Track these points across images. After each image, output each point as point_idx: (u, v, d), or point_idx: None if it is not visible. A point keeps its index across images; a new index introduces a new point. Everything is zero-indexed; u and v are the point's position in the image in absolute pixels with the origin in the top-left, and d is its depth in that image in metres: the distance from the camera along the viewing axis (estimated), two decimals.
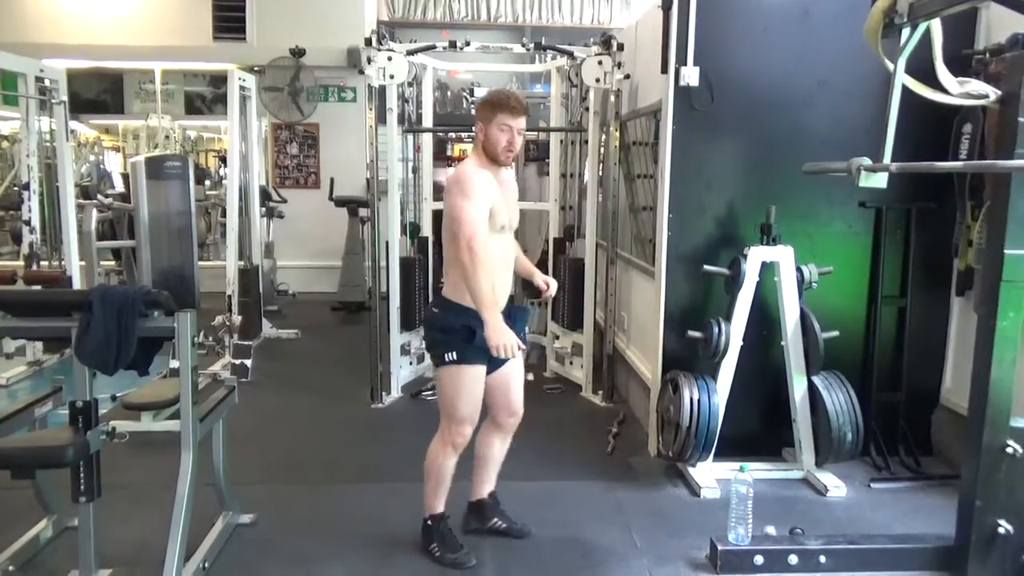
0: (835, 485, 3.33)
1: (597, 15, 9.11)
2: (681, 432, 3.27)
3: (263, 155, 8.27)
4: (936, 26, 2.27)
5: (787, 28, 3.47)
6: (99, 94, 9.52)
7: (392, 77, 4.28)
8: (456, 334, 2.56)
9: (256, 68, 7.64)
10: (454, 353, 2.57)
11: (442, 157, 10.27)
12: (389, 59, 4.24)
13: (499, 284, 2.61)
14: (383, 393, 4.56)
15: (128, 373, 2.45)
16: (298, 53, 7.83)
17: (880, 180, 2.35)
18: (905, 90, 2.40)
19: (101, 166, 9.36)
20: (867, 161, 2.37)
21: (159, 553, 2.36)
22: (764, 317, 3.51)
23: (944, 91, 2.40)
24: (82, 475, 2.40)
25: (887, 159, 2.33)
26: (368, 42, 4.24)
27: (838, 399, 3.32)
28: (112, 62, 8.45)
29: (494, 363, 2.64)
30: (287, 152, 8.39)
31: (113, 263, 7.37)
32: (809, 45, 3.47)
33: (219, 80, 8.60)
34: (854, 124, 3.43)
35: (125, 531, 2.87)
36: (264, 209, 7.21)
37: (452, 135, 10.34)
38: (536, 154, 6.18)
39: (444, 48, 4.56)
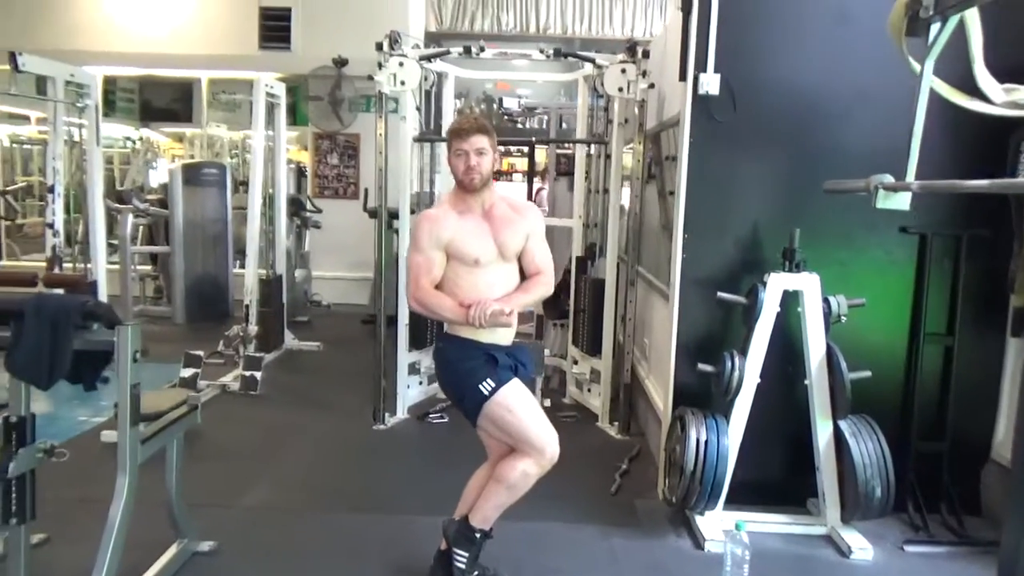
0: (861, 547, 2.93)
1: (649, 28, 8.81)
2: (685, 476, 2.95)
3: (308, 165, 8.26)
4: (972, 19, 1.92)
5: (821, 32, 3.15)
6: (170, 103, 9.73)
7: (403, 83, 4.10)
8: (476, 361, 2.45)
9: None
10: (488, 381, 2.42)
11: None
12: (400, 64, 4.07)
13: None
14: (386, 414, 4.35)
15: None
16: (340, 63, 7.76)
17: (902, 201, 2.01)
18: (952, 102, 2.06)
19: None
20: (888, 178, 2.04)
21: None
22: (788, 352, 3.16)
23: (985, 99, 2.05)
24: (14, 495, 2.26)
25: (910, 177, 1.99)
26: (379, 47, 4.08)
27: (866, 448, 2.94)
28: (158, 70, 8.56)
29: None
30: (327, 162, 8.33)
31: (150, 268, 7.45)
32: (846, 52, 3.13)
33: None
34: (896, 141, 3.01)
35: (80, 551, 2.70)
36: (299, 220, 7.16)
37: None
38: (567, 168, 5.92)
39: (459, 54, 4.37)
